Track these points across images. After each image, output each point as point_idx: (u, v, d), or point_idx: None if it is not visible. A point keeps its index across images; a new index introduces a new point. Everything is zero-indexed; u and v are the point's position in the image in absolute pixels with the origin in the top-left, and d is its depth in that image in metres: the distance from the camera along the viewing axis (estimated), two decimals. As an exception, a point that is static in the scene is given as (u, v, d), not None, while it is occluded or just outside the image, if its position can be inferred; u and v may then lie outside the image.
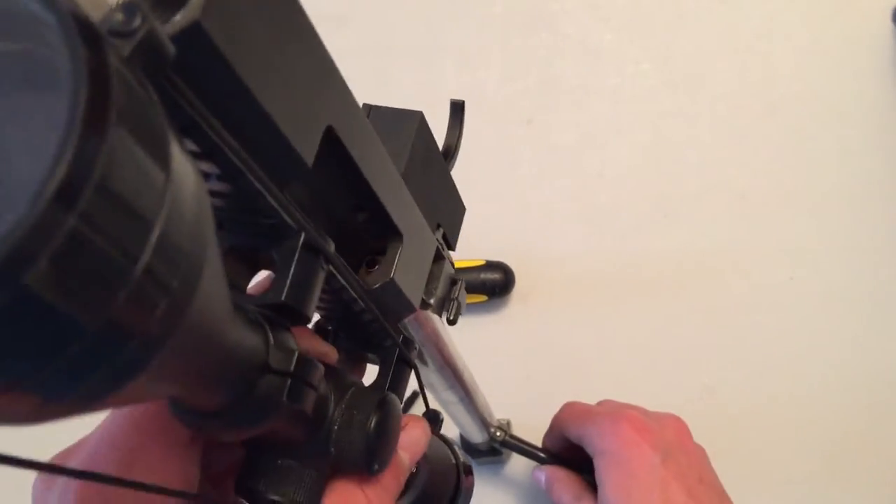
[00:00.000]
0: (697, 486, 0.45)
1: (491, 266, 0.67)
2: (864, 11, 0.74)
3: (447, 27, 0.81)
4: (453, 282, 0.37)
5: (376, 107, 0.31)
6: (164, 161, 0.13)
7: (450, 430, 0.61)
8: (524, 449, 0.57)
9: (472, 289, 0.67)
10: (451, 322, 0.36)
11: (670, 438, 0.47)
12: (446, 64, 0.79)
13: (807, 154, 0.70)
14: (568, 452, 0.54)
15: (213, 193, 0.21)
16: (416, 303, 0.32)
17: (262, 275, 0.27)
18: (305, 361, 0.22)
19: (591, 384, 0.62)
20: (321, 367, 0.23)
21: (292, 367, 0.22)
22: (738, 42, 0.75)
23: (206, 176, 0.20)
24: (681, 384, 0.64)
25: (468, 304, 0.67)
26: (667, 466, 0.44)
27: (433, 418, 0.40)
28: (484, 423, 0.56)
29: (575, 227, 0.70)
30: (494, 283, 0.67)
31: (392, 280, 0.29)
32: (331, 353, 0.29)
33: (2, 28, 0.14)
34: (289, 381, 0.22)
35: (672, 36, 0.77)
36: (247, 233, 0.23)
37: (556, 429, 0.54)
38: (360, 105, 0.32)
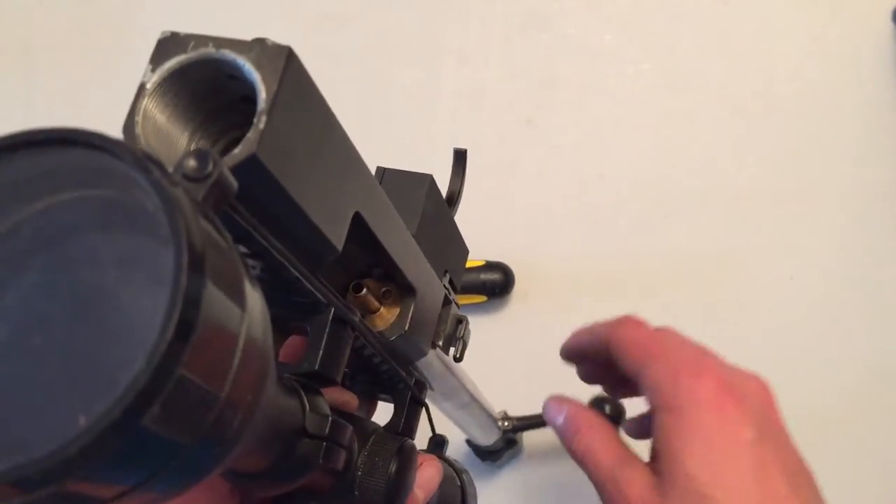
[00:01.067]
0: (796, 478, 0.35)
1: (491, 266, 0.69)
2: (865, 11, 0.75)
3: (447, 27, 0.82)
4: (459, 321, 0.39)
5: (389, 170, 0.33)
6: (241, 299, 0.16)
7: (457, 437, 0.63)
8: (535, 422, 0.59)
9: (471, 289, 0.68)
10: (458, 359, 0.39)
11: (759, 409, 0.36)
12: (446, 64, 0.80)
13: (807, 154, 0.71)
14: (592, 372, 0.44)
15: (254, 279, 0.24)
16: (427, 348, 0.35)
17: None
18: (337, 424, 0.25)
19: (591, 384, 0.63)
20: (351, 428, 0.26)
21: (327, 432, 0.24)
22: (738, 42, 0.76)
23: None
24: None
25: (468, 305, 0.69)
26: (764, 447, 0.34)
27: (440, 443, 0.43)
28: (493, 420, 0.58)
29: (575, 226, 0.71)
30: (494, 284, 0.68)
31: (407, 332, 0.31)
32: (352, 401, 0.31)
33: (87, 178, 0.16)
34: (324, 445, 0.24)
35: (672, 36, 0.77)
36: (280, 306, 0.26)
37: (605, 342, 0.39)
38: (374, 169, 0.34)
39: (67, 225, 0.16)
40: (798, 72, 0.74)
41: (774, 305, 0.67)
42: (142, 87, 0.20)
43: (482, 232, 0.68)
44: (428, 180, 0.33)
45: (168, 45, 0.20)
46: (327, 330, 0.25)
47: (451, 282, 0.38)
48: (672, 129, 0.74)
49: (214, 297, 0.14)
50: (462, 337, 0.39)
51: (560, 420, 0.39)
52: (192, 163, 0.17)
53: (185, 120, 0.21)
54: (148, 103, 0.20)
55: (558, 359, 0.68)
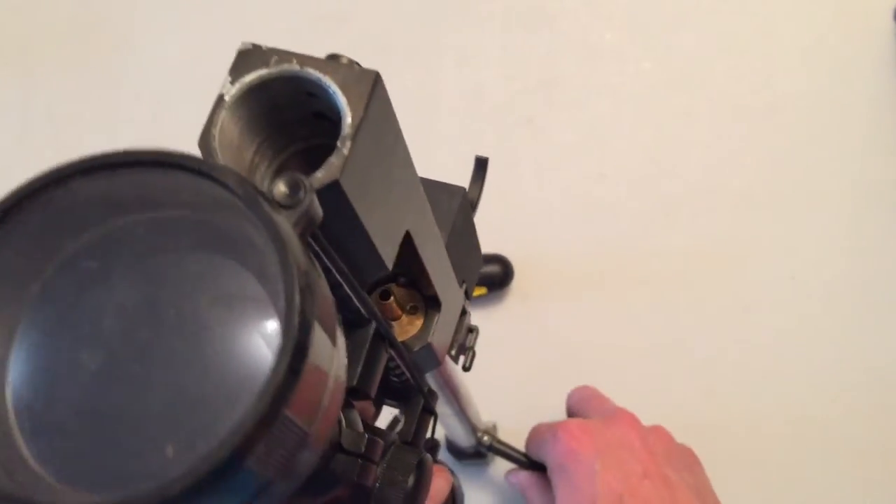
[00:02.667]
0: (640, 484, 0.44)
1: (489, 259, 0.68)
2: (865, 11, 0.75)
3: (447, 27, 0.81)
4: (470, 330, 0.39)
5: (422, 179, 0.33)
6: (334, 336, 0.16)
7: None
8: (509, 454, 0.59)
9: (470, 283, 0.68)
10: (466, 369, 0.39)
11: (611, 438, 0.47)
12: (446, 64, 0.79)
13: (807, 153, 0.71)
14: None
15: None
16: (443, 358, 0.35)
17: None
18: (372, 442, 0.25)
19: (590, 383, 0.62)
20: (382, 444, 0.26)
21: (363, 449, 0.24)
22: (738, 41, 0.76)
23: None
24: (681, 384, 0.65)
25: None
26: (606, 470, 0.44)
27: (432, 448, 0.43)
28: (473, 429, 0.58)
29: (575, 226, 0.70)
30: (493, 276, 0.68)
31: (429, 344, 0.32)
32: (369, 408, 0.31)
33: (186, 199, 0.16)
34: (359, 461, 0.24)
35: (673, 35, 0.77)
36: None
37: (529, 452, 0.55)
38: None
39: (165, 244, 0.16)
40: (798, 71, 0.74)
41: (776, 304, 0.67)
42: (220, 99, 0.19)
43: (482, 231, 0.67)
44: (461, 193, 0.33)
45: (249, 57, 0.20)
46: (367, 346, 0.25)
47: (465, 291, 0.38)
48: (673, 127, 0.74)
49: (318, 339, 0.14)
50: (472, 347, 0.39)
51: (517, 485, 0.55)
52: (283, 189, 0.17)
53: (255, 132, 0.21)
54: (225, 116, 0.19)
55: (556, 357, 0.68)
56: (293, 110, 0.21)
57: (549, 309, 0.69)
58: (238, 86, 0.19)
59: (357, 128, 0.19)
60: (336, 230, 0.21)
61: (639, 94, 0.76)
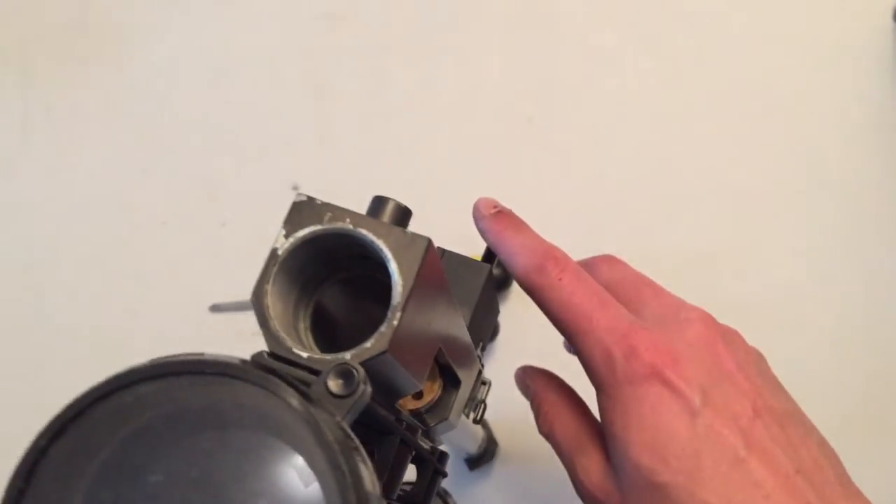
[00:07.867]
0: (753, 428, 0.31)
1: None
2: (865, 10, 0.75)
3: (447, 27, 0.81)
4: (483, 383, 0.40)
5: (449, 252, 0.33)
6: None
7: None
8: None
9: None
10: (477, 421, 0.40)
11: (709, 364, 0.32)
12: (446, 64, 0.79)
13: (807, 154, 0.71)
14: None
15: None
16: (457, 421, 0.35)
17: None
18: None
19: (589, 383, 0.62)
20: None
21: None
22: (738, 41, 0.76)
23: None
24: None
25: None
26: (714, 413, 0.30)
27: (441, 458, 0.44)
28: (472, 436, 0.59)
29: (575, 227, 0.70)
30: (494, 279, 0.68)
31: (448, 419, 0.32)
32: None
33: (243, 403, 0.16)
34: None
35: (673, 35, 0.77)
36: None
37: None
38: (437, 248, 0.34)
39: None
40: (798, 71, 0.74)
41: (776, 305, 0.66)
42: (273, 254, 0.20)
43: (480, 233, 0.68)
44: (486, 270, 0.33)
45: (303, 210, 0.20)
46: (393, 454, 0.25)
47: (482, 348, 0.38)
48: (673, 128, 0.74)
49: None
50: (483, 399, 0.39)
51: (529, 398, 0.37)
52: (336, 380, 0.17)
53: (301, 277, 0.21)
54: (278, 269, 0.20)
55: (557, 357, 0.69)
56: (340, 252, 0.21)
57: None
58: (291, 240, 0.20)
59: (407, 298, 0.19)
60: (378, 377, 0.21)
61: (639, 94, 0.75)
